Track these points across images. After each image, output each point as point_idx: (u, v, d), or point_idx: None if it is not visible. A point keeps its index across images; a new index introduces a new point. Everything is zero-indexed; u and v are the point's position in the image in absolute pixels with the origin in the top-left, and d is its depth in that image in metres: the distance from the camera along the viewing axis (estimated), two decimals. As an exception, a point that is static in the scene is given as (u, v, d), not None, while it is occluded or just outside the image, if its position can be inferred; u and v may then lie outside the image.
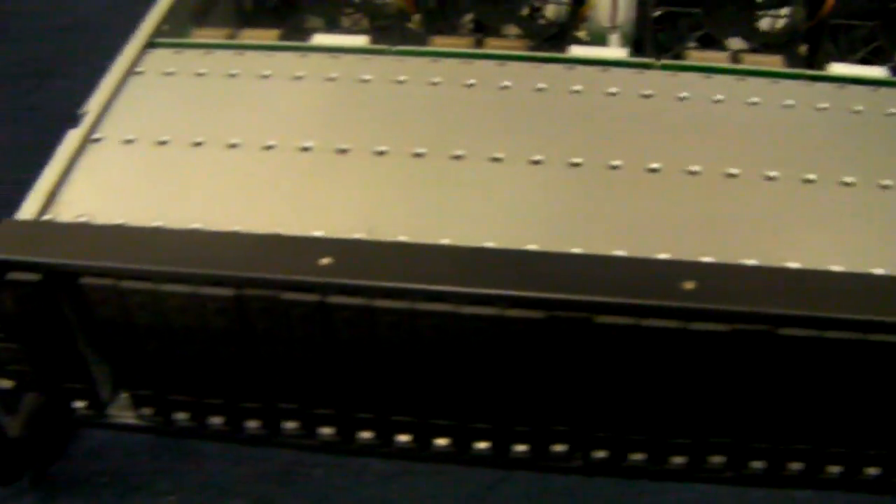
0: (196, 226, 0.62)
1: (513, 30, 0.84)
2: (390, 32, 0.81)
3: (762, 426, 0.61)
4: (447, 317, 0.57)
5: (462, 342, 0.58)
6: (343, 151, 0.67)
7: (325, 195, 0.64)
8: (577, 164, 0.66)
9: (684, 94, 0.71)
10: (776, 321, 0.55)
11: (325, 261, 0.57)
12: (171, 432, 0.67)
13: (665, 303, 0.55)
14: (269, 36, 0.78)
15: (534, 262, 0.58)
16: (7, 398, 0.66)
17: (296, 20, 0.86)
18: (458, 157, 0.66)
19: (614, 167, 0.65)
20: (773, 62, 0.74)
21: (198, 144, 0.68)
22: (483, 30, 0.83)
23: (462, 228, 0.62)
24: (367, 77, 0.73)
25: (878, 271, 0.59)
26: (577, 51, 0.75)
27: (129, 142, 0.69)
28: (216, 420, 0.66)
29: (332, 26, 0.85)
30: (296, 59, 0.75)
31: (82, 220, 0.63)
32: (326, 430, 0.65)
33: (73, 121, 0.69)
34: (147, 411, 0.66)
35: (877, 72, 0.73)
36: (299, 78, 0.73)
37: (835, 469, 0.63)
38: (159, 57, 0.76)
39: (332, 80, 0.73)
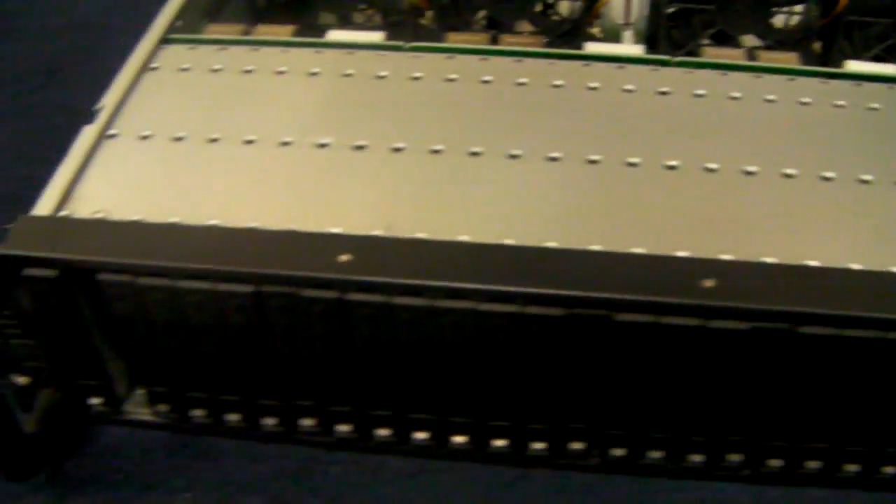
0: (213, 222, 0.62)
1: (526, 26, 0.84)
2: (403, 29, 0.81)
3: (780, 424, 0.61)
4: (466, 314, 0.57)
5: (481, 339, 0.58)
6: (360, 148, 0.67)
7: (343, 192, 0.64)
8: (594, 162, 0.66)
9: (701, 91, 0.71)
10: (796, 319, 0.55)
11: (344, 257, 0.57)
12: (188, 429, 0.68)
13: (685, 300, 0.55)
14: (283, 32, 0.78)
15: (553, 259, 0.58)
16: (23, 394, 0.66)
17: (308, 16, 0.85)
18: (475, 154, 0.66)
19: (632, 164, 0.65)
20: (789, 59, 0.74)
21: (214, 141, 0.68)
22: (496, 26, 0.83)
23: (480, 225, 0.61)
24: (383, 73, 0.73)
25: (898, 269, 0.59)
26: (593, 47, 0.75)
27: (144, 138, 0.68)
28: (233, 417, 0.66)
29: (345, 22, 0.84)
30: (311, 55, 0.75)
31: (99, 216, 0.63)
32: (344, 428, 0.65)
33: (89, 117, 0.69)
34: (163, 408, 0.66)
35: (893, 69, 0.73)
36: (315, 74, 0.73)
37: (852, 468, 0.63)
38: (174, 53, 0.76)
39: (347, 76, 0.73)
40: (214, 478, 0.67)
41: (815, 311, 0.55)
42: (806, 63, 0.74)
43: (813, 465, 0.63)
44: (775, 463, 0.63)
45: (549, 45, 0.77)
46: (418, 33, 0.80)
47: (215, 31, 0.79)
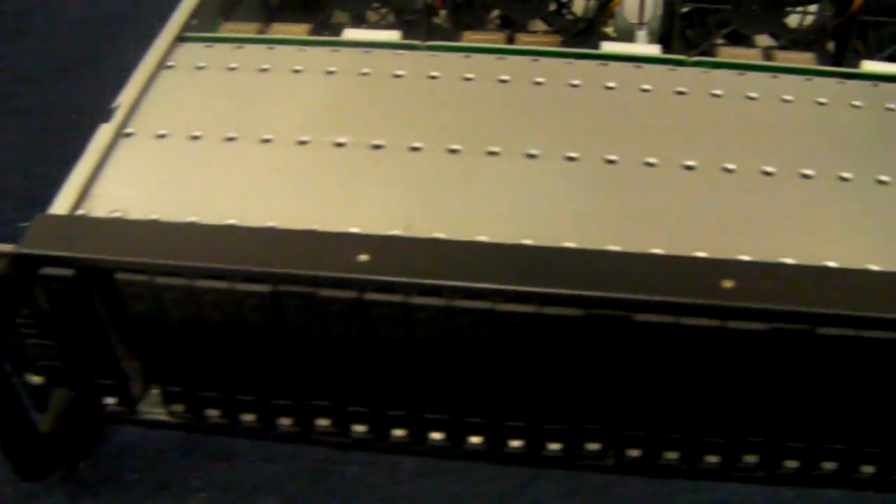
0: (231, 221, 0.62)
1: (539, 25, 0.84)
2: (416, 27, 0.81)
3: (796, 425, 0.60)
4: (484, 314, 0.57)
5: (499, 340, 0.58)
6: (377, 147, 0.67)
7: (360, 191, 0.64)
8: (612, 161, 0.66)
9: (718, 91, 0.71)
10: (815, 320, 0.55)
11: (362, 257, 0.57)
12: (203, 429, 0.68)
13: (704, 301, 0.55)
14: (299, 31, 0.78)
15: (571, 259, 0.58)
16: (37, 394, 0.66)
17: (322, 15, 0.85)
18: (492, 154, 0.66)
19: (649, 164, 0.65)
20: (806, 60, 0.74)
21: (231, 139, 0.68)
22: (509, 25, 0.83)
23: (498, 225, 0.61)
24: (400, 72, 0.73)
25: (918, 270, 0.59)
26: (609, 47, 0.75)
27: (161, 136, 0.68)
28: (248, 417, 0.66)
29: (359, 21, 0.84)
30: (327, 53, 0.75)
31: (116, 215, 0.63)
32: (359, 428, 0.65)
33: (105, 115, 0.69)
34: (178, 408, 0.66)
35: (911, 70, 0.73)
36: (331, 73, 0.73)
37: (868, 469, 0.63)
38: (190, 51, 0.76)
39: (364, 75, 0.73)
40: (229, 478, 0.67)
41: (834, 311, 0.54)
42: (820, 63, 0.74)
43: (829, 466, 0.62)
44: (791, 464, 0.63)
45: (563, 44, 0.77)
46: (432, 32, 0.80)
47: (230, 29, 0.80)
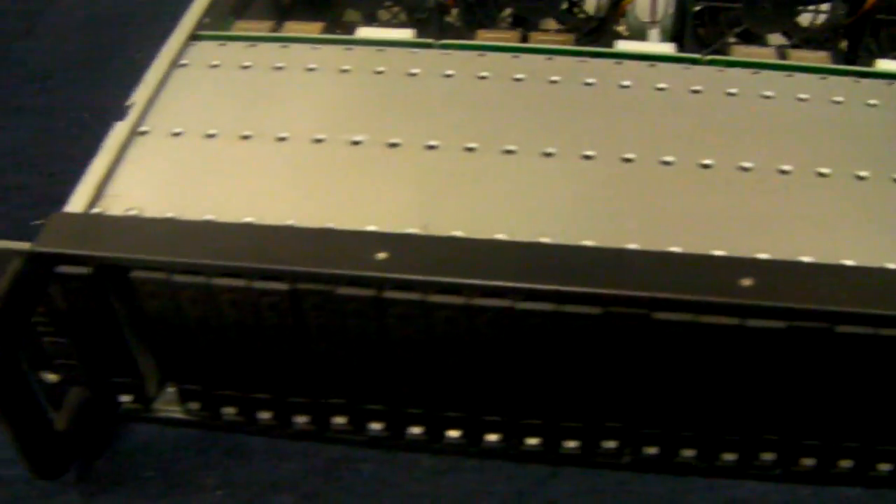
0: (247, 220, 0.62)
1: (551, 24, 0.84)
2: (428, 26, 0.81)
3: (814, 423, 0.60)
4: (502, 312, 0.57)
5: (517, 338, 0.58)
6: (393, 145, 0.67)
7: (378, 189, 0.64)
8: (628, 160, 0.66)
9: (733, 89, 0.71)
10: (833, 318, 0.55)
11: (380, 255, 0.57)
12: (218, 427, 0.68)
13: (723, 299, 0.55)
14: (312, 29, 0.78)
15: (589, 257, 0.58)
16: (53, 392, 0.66)
17: (334, 13, 0.85)
18: (509, 152, 0.66)
19: (666, 163, 0.65)
20: (821, 58, 0.74)
21: (246, 138, 0.68)
22: (521, 24, 0.83)
23: (516, 223, 0.61)
24: (415, 71, 0.73)
25: (936, 268, 0.59)
26: (624, 45, 0.75)
27: (176, 135, 0.69)
28: (264, 415, 0.66)
29: (371, 20, 0.84)
30: (341, 52, 0.75)
31: (132, 213, 0.63)
32: (376, 426, 0.65)
33: (120, 113, 0.69)
34: (194, 406, 0.66)
35: (925, 69, 0.73)
36: (346, 71, 0.73)
37: (885, 467, 0.63)
38: (203, 49, 0.76)
39: (379, 73, 0.73)
40: (245, 476, 0.67)
41: (852, 310, 0.54)
42: (833, 62, 0.74)
43: (845, 463, 0.62)
44: (808, 462, 0.63)
45: (576, 43, 0.77)
46: (444, 31, 0.80)
47: (242, 28, 0.80)
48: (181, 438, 0.69)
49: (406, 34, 0.77)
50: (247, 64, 0.74)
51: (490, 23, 0.82)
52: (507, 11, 0.83)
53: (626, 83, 0.71)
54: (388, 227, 0.61)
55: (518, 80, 0.72)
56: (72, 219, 0.62)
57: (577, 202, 0.63)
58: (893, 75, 0.72)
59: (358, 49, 0.76)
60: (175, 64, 0.74)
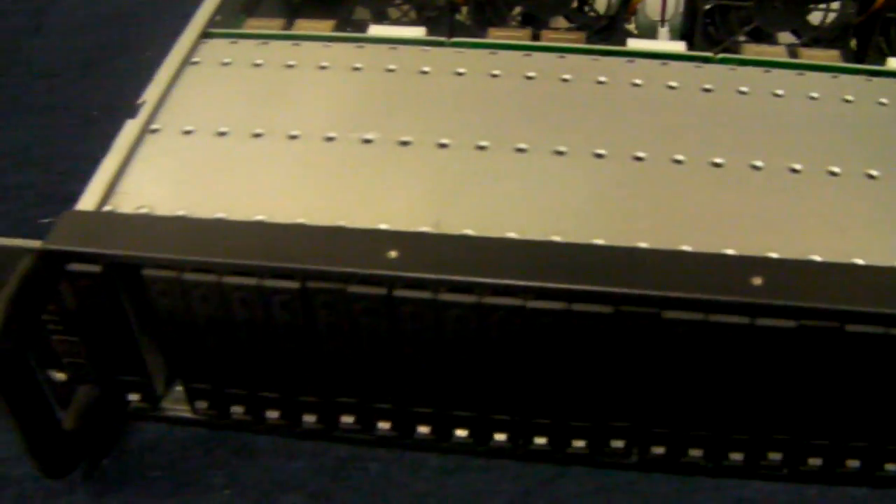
0: (259, 218, 0.62)
1: (561, 22, 0.84)
2: (438, 24, 0.81)
3: (822, 423, 0.60)
4: (513, 311, 0.56)
5: (528, 336, 0.58)
6: (405, 144, 0.67)
7: (389, 188, 0.64)
8: (640, 158, 0.66)
9: (744, 88, 0.71)
10: (843, 317, 0.54)
11: (392, 254, 0.57)
12: (226, 426, 0.68)
13: (733, 298, 0.55)
14: (323, 27, 0.78)
15: (600, 256, 0.58)
16: (61, 391, 0.66)
17: (344, 12, 0.85)
18: (520, 151, 0.66)
19: (678, 161, 0.65)
20: (832, 57, 0.74)
21: (257, 136, 0.68)
22: (531, 22, 0.83)
23: (527, 222, 0.61)
24: (426, 69, 0.73)
25: (947, 268, 0.58)
26: (635, 44, 0.75)
27: (187, 133, 0.69)
28: (272, 414, 0.65)
29: (380, 18, 0.84)
30: (353, 50, 0.75)
31: (143, 211, 0.63)
32: (384, 425, 0.65)
33: (132, 111, 0.69)
34: (202, 404, 0.66)
35: (936, 67, 0.73)
36: (357, 69, 0.73)
37: (893, 466, 0.62)
38: (215, 47, 0.76)
39: (390, 71, 0.73)
40: (253, 475, 0.67)
41: (863, 309, 0.54)
42: (843, 60, 0.74)
43: (853, 463, 0.62)
44: (815, 461, 0.62)
45: (586, 41, 0.77)
46: (454, 29, 0.80)
47: (253, 25, 0.80)
48: (189, 438, 0.69)
49: (417, 32, 0.77)
50: (258, 62, 0.75)
51: (500, 21, 0.82)
52: (517, 10, 0.83)
53: (637, 81, 0.71)
54: (400, 226, 0.61)
55: (530, 78, 0.72)
56: (83, 217, 0.62)
57: (588, 201, 0.63)
58: (905, 74, 0.72)
59: (369, 47, 0.76)
60: (186, 62, 0.74)
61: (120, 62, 1.04)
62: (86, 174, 0.66)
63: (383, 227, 0.61)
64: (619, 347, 0.57)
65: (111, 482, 0.67)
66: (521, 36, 0.77)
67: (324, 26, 0.78)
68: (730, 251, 0.59)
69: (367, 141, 0.67)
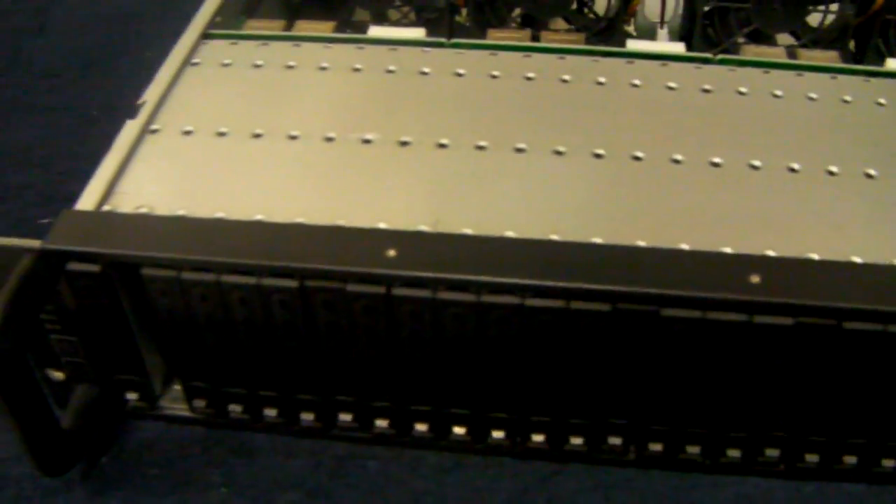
0: (258, 217, 0.62)
1: (560, 24, 0.84)
2: (438, 26, 0.81)
3: (820, 419, 0.61)
4: (512, 309, 0.57)
5: (526, 335, 0.58)
6: (404, 144, 0.67)
7: (388, 187, 0.64)
8: (638, 158, 0.66)
9: (743, 88, 0.71)
10: (841, 315, 0.55)
11: (390, 253, 0.57)
12: (224, 425, 0.68)
13: (731, 296, 0.55)
14: (323, 28, 0.78)
15: (598, 254, 0.58)
16: (59, 390, 0.66)
17: (343, 13, 0.86)
18: (519, 151, 0.66)
19: (676, 161, 0.65)
20: (831, 58, 0.74)
21: (257, 136, 0.68)
22: (530, 24, 0.83)
23: (525, 221, 0.62)
24: (426, 70, 0.73)
25: (944, 266, 0.58)
26: (635, 45, 0.76)
27: (187, 133, 0.69)
28: (270, 412, 0.66)
29: (380, 20, 0.84)
30: (353, 51, 0.75)
31: (142, 210, 0.63)
32: (382, 423, 0.65)
33: (131, 111, 0.69)
34: (200, 403, 0.66)
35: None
36: (357, 70, 0.73)
37: (890, 463, 0.63)
38: (215, 48, 0.76)
39: (390, 72, 0.73)
40: (250, 473, 0.67)
41: (860, 306, 0.55)
42: (842, 61, 0.75)
43: (850, 460, 0.63)
44: (812, 458, 0.63)
45: (586, 42, 0.77)
46: (453, 30, 0.80)
47: (254, 27, 0.80)
48: (187, 436, 0.69)
49: (417, 33, 0.77)
50: (259, 62, 0.75)
51: (499, 23, 0.82)
52: (517, 11, 0.83)
53: (636, 82, 0.72)
54: (398, 225, 0.61)
55: (529, 78, 0.72)
56: (82, 216, 0.62)
57: (587, 200, 0.63)
58: (904, 75, 0.72)
59: (369, 48, 0.76)
60: (187, 62, 0.75)
61: (121, 62, 1.05)
62: (86, 174, 0.66)
63: (382, 226, 0.61)
64: (617, 345, 0.58)
65: (109, 481, 0.67)
66: (520, 37, 0.77)
67: (324, 27, 0.79)
68: (728, 249, 0.59)
69: (367, 141, 0.67)
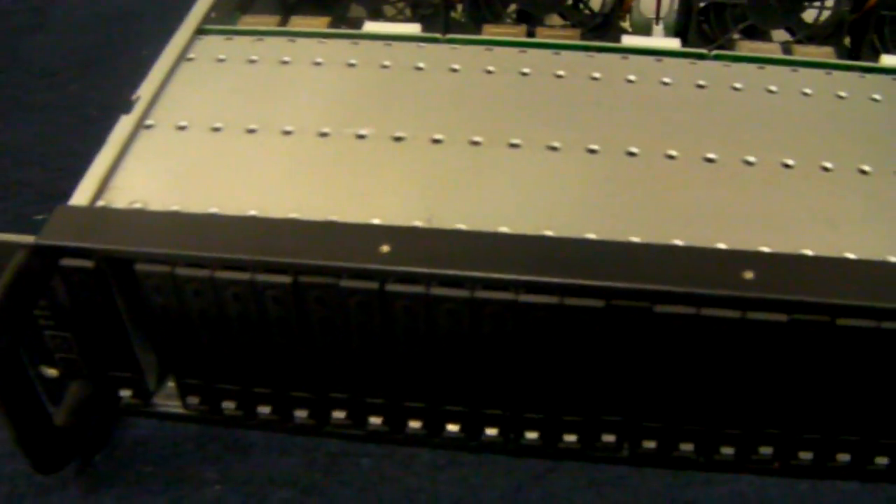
0: (252, 213, 0.62)
1: (556, 20, 0.84)
2: (433, 22, 0.81)
3: (813, 417, 0.60)
4: (505, 305, 0.56)
5: (520, 331, 0.58)
6: (398, 139, 0.67)
7: (382, 183, 0.64)
8: (633, 154, 0.66)
9: (738, 84, 0.71)
10: (835, 311, 0.55)
11: (384, 248, 0.57)
12: (218, 421, 0.68)
13: (725, 292, 0.55)
14: (318, 24, 0.78)
15: (592, 250, 0.58)
16: (52, 386, 0.66)
17: (339, 9, 0.86)
18: (514, 146, 0.66)
19: (670, 157, 0.65)
20: (826, 53, 0.74)
21: (251, 131, 0.68)
22: (526, 20, 0.83)
23: (519, 217, 0.61)
24: (421, 65, 0.73)
25: (939, 261, 0.58)
26: (630, 40, 0.76)
27: (181, 128, 0.69)
28: (264, 409, 0.65)
29: (376, 15, 0.84)
30: (348, 46, 0.75)
31: (136, 206, 0.63)
32: (376, 420, 0.65)
33: (126, 107, 0.69)
34: (194, 400, 0.66)
35: (929, 63, 0.73)
36: (352, 65, 0.73)
37: (883, 460, 0.63)
38: (210, 44, 0.76)
39: (385, 67, 0.73)
40: (244, 470, 0.67)
41: (853, 303, 0.54)
42: (837, 57, 0.75)
43: (843, 457, 0.62)
44: (806, 456, 0.62)
45: (581, 38, 0.77)
46: (449, 26, 0.80)
47: (248, 22, 0.80)
48: (181, 433, 0.69)
49: (412, 29, 0.77)
50: (253, 58, 0.75)
51: (495, 18, 0.82)
52: (512, 7, 0.83)
53: (631, 78, 0.72)
54: (392, 221, 0.61)
55: (524, 74, 0.72)
56: (76, 212, 0.62)
57: (581, 196, 0.63)
58: (897, 71, 0.72)
59: (364, 43, 0.76)
60: (182, 58, 0.75)
61: (119, 61, 1.05)
62: (84, 172, 0.66)
63: (376, 221, 0.61)
64: (610, 342, 0.57)
65: (103, 478, 0.67)
66: (515, 33, 0.77)
67: (319, 23, 0.79)
68: (722, 245, 0.59)
69: (361, 136, 0.67)
